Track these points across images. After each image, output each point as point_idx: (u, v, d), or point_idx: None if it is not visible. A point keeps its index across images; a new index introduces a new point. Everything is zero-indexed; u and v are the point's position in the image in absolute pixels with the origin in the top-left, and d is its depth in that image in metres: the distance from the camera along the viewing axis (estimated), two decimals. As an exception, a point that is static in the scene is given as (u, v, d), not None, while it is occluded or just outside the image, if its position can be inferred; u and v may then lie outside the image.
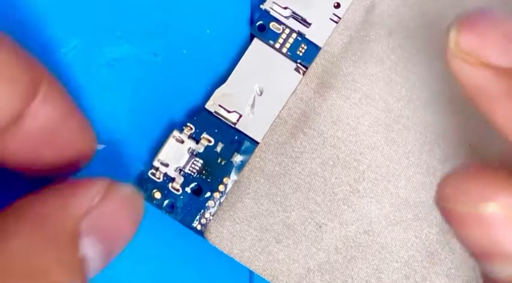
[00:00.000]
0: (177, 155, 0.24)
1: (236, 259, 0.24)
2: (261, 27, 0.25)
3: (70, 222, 0.19)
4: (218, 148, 0.24)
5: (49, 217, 0.18)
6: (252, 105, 0.25)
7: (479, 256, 0.17)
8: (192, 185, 0.24)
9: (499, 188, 0.16)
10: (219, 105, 0.25)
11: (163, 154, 0.24)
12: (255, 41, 0.25)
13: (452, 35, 0.16)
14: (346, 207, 0.25)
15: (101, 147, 0.24)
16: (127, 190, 0.20)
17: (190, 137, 0.24)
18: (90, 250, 0.19)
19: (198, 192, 0.24)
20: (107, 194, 0.19)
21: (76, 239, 0.18)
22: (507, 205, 0.16)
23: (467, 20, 0.16)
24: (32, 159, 0.20)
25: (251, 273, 0.25)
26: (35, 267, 0.17)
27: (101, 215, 0.19)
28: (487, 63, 0.15)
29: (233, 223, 0.24)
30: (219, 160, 0.24)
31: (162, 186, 0.24)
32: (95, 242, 0.19)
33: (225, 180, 0.24)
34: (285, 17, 0.25)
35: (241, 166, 0.24)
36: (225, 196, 0.24)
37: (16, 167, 0.20)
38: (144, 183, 0.24)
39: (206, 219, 0.24)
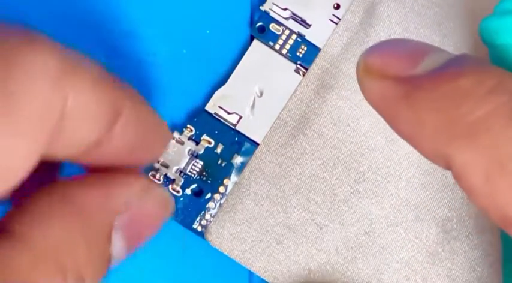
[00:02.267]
0: (177, 157, 0.24)
1: (237, 261, 0.24)
2: (260, 28, 0.25)
3: (109, 217, 0.19)
4: (218, 150, 0.24)
5: (91, 209, 0.19)
6: (252, 107, 0.25)
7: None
8: (193, 187, 0.24)
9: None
10: (219, 107, 0.25)
11: (164, 156, 0.24)
12: (255, 42, 0.25)
13: (361, 59, 0.18)
14: (346, 208, 0.25)
15: None
16: (162, 193, 0.21)
17: (190, 138, 0.24)
18: (116, 246, 0.19)
19: (198, 193, 0.24)
20: (144, 194, 0.20)
21: (110, 234, 0.19)
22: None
23: (371, 46, 0.19)
24: (109, 165, 0.20)
25: (251, 274, 0.25)
26: (69, 258, 0.18)
27: (134, 213, 0.19)
28: (388, 74, 0.18)
29: (234, 224, 0.24)
30: (219, 162, 0.24)
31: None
32: (121, 239, 0.19)
33: (225, 181, 0.24)
34: (285, 18, 0.25)
35: (241, 168, 0.24)
36: (225, 197, 0.24)
37: (88, 168, 0.20)
38: (144, 185, 0.24)
39: (206, 220, 0.24)
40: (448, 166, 0.17)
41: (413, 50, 0.18)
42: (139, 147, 0.20)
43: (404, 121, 0.18)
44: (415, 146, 0.18)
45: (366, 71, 0.18)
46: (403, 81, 0.18)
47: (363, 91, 0.19)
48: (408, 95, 0.17)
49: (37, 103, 0.16)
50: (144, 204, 0.20)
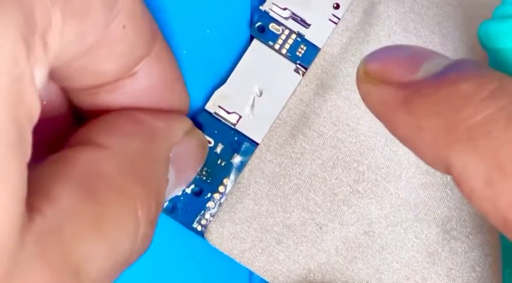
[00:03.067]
0: (177, 156, 0.24)
1: (236, 260, 0.24)
2: (260, 28, 0.25)
3: (170, 144, 0.20)
4: (218, 149, 0.24)
5: (158, 133, 0.20)
6: (252, 106, 0.25)
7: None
8: (192, 186, 0.24)
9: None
10: (219, 106, 0.25)
11: (163, 156, 0.24)
12: (255, 42, 0.25)
13: (361, 65, 0.19)
14: (346, 208, 0.25)
15: None
16: (203, 135, 0.23)
17: (190, 138, 0.24)
18: (170, 177, 0.20)
19: (198, 193, 0.24)
20: (190, 132, 0.22)
21: (169, 162, 0.20)
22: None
23: (371, 52, 0.19)
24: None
25: (251, 273, 0.25)
26: (147, 172, 0.19)
27: (182, 149, 0.21)
28: (388, 80, 0.18)
29: (233, 224, 0.24)
30: (219, 161, 0.24)
31: (162, 187, 0.24)
32: (172, 172, 0.20)
33: (225, 181, 0.24)
34: (285, 18, 0.25)
35: (241, 167, 0.25)
36: (225, 197, 0.24)
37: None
38: (144, 184, 0.24)
39: (206, 220, 0.24)
40: (448, 171, 0.17)
41: (413, 55, 0.18)
42: (164, 89, 0.21)
43: (404, 126, 0.18)
44: (415, 151, 0.18)
45: (366, 76, 0.18)
46: (402, 86, 0.18)
47: (363, 96, 0.19)
48: (408, 100, 0.17)
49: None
50: (190, 141, 0.22)
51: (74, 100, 0.21)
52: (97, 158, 0.18)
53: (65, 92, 0.21)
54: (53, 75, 0.19)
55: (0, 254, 0.14)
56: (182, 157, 0.21)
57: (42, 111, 0.16)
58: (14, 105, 0.14)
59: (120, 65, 0.19)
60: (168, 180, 0.20)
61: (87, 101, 0.21)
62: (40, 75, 0.15)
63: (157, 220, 0.20)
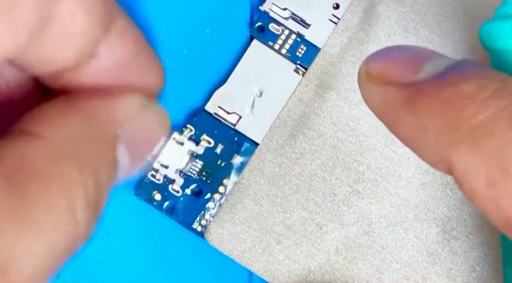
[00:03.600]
0: (177, 157, 0.24)
1: (236, 261, 0.24)
2: (260, 28, 0.25)
3: (114, 124, 0.20)
4: (218, 150, 0.24)
5: (98, 117, 0.19)
6: (252, 107, 0.25)
7: None
8: (192, 187, 0.24)
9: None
10: (219, 107, 0.25)
11: (163, 156, 0.24)
12: (255, 42, 0.25)
13: (362, 66, 0.19)
14: (346, 208, 0.25)
15: None
16: (159, 109, 0.22)
17: (190, 138, 0.24)
18: (121, 158, 0.20)
19: (198, 193, 0.24)
20: (143, 109, 0.21)
21: (115, 142, 0.20)
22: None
23: (373, 53, 0.19)
24: (92, 93, 0.21)
25: (250, 274, 0.25)
26: (84, 156, 0.18)
27: (134, 127, 0.20)
28: (390, 80, 0.18)
29: (233, 224, 0.24)
30: (219, 162, 0.24)
31: (162, 188, 0.24)
32: (124, 152, 0.20)
33: (225, 181, 0.24)
34: (284, 18, 0.25)
35: (241, 168, 0.24)
36: (225, 197, 0.24)
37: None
38: (144, 185, 0.24)
39: (206, 220, 0.24)
40: (450, 171, 0.17)
41: (415, 55, 0.18)
42: (131, 72, 0.21)
43: (406, 126, 0.18)
44: (417, 151, 0.18)
45: (368, 77, 0.18)
46: (405, 87, 0.18)
47: (364, 97, 0.19)
48: (410, 100, 0.17)
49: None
50: (143, 118, 0.21)
51: (40, 80, 0.21)
52: (27, 148, 0.18)
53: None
54: (12, 63, 0.19)
55: None
56: (137, 134, 0.21)
57: (9, 95, 0.16)
58: None
59: (77, 50, 0.19)
60: (116, 159, 0.20)
61: (53, 83, 0.20)
62: None
63: (101, 204, 0.19)
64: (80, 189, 0.18)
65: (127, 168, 0.20)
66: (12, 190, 0.16)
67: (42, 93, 0.21)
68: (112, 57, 0.20)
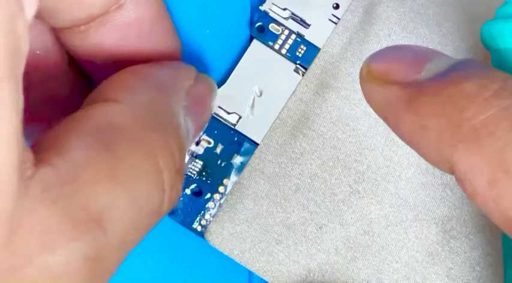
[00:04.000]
0: (177, 157, 0.24)
1: (236, 261, 0.24)
2: (260, 28, 0.25)
3: (179, 92, 0.21)
4: (218, 150, 0.24)
5: (167, 86, 0.20)
6: (252, 107, 0.25)
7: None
8: (192, 187, 0.24)
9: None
10: (219, 107, 0.25)
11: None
12: (254, 42, 0.25)
13: (364, 66, 0.19)
14: (346, 208, 0.25)
15: None
16: (209, 77, 0.23)
17: (190, 138, 0.24)
18: (188, 125, 0.20)
19: (198, 193, 0.24)
20: (197, 78, 0.22)
21: (182, 110, 0.20)
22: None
23: (374, 53, 0.19)
24: (117, 54, 0.21)
25: (250, 273, 0.25)
26: (161, 122, 0.19)
27: (194, 95, 0.21)
28: (392, 80, 0.18)
29: (233, 224, 0.24)
30: (219, 162, 0.24)
31: (162, 188, 0.24)
32: (189, 120, 0.21)
33: (225, 181, 0.24)
34: (284, 18, 0.25)
35: (241, 168, 0.24)
36: (225, 197, 0.24)
37: (97, 62, 0.21)
38: (144, 185, 0.24)
39: (206, 220, 0.24)
40: (451, 171, 0.17)
41: (417, 55, 0.18)
42: (152, 25, 0.21)
43: (408, 126, 0.18)
44: (418, 151, 0.18)
45: (370, 77, 0.18)
46: (406, 86, 0.18)
47: (366, 97, 0.19)
48: (412, 100, 0.17)
49: None
50: (199, 86, 0.22)
51: (66, 44, 0.21)
52: (110, 112, 0.18)
53: (58, 39, 0.21)
54: (42, 13, 0.19)
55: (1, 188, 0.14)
56: (195, 104, 0.21)
57: (38, 63, 0.16)
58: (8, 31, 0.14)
59: None
60: (188, 129, 0.20)
61: (79, 40, 0.21)
62: (30, 11, 0.15)
63: (184, 169, 0.20)
64: (166, 153, 0.18)
65: (192, 137, 0.21)
66: (103, 149, 0.17)
67: (68, 62, 0.22)
68: (136, 12, 0.20)
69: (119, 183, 0.17)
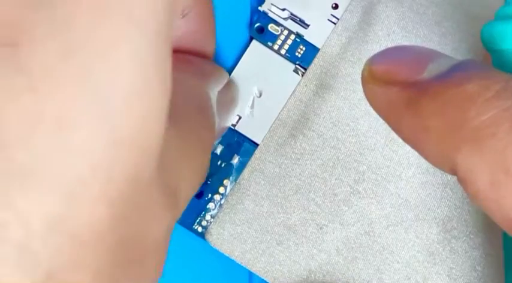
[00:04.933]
0: (177, 158, 0.24)
1: (237, 261, 0.24)
2: (259, 29, 0.25)
3: (215, 87, 0.22)
4: (218, 151, 0.24)
5: (207, 73, 0.22)
6: (252, 107, 0.25)
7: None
8: (192, 187, 0.24)
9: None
10: (219, 107, 0.25)
11: (163, 157, 0.24)
12: (254, 42, 0.25)
13: (366, 67, 0.19)
14: (346, 208, 0.25)
15: None
16: (236, 88, 0.25)
17: (190, 139, 0.24)
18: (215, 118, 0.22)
19: (198, 194, 0.24)
20: (227, 84, 0.23)
21: (215, 103, 0.21)
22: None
23: (376, 53, 0.19)
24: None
25: (251, 274, 0.25)
26: (202, 105, 0.20)
27: (221, 95, 0.22)
28: (394, 80, 0.18)
29: (234, 225, 0.24)
30: (219, 163, 0.24)
31: (162, 189, 0.24)
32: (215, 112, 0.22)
33: (225, 182, 0.24)
34: (283, 19, 0.25)
35: (241, 168, 0.24)
36: (225, 198, 0.24)
37: None
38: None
39: (207, 221, 0.24)
40: (453, 172, 0.17)
41: (418, 55, 0.18)
42: (205, 36, 0.23)
43: (409, 126, 0.18)
44: (420, 151, 0.18)
45: (371, 78, 0.18)
46: (408, 87, 0.18)
47: (368, 98, 0.19)
48: (414, 101, 0.17)
49: None
50: (228, 91, 0.23)
51: None
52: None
53: None
54: None
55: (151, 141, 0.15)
56: (223, 105, 0.22)
57: None
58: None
59: (185, 1, 0.21)
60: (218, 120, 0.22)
61: None
62: None
63: None
64: (208, 138, 0.20)
65: (218, 131, 0.22)
66: (175, 129, 0.18)
67: None
68: (197, 23, 0.22)
69: (187, 163, 0.18)
